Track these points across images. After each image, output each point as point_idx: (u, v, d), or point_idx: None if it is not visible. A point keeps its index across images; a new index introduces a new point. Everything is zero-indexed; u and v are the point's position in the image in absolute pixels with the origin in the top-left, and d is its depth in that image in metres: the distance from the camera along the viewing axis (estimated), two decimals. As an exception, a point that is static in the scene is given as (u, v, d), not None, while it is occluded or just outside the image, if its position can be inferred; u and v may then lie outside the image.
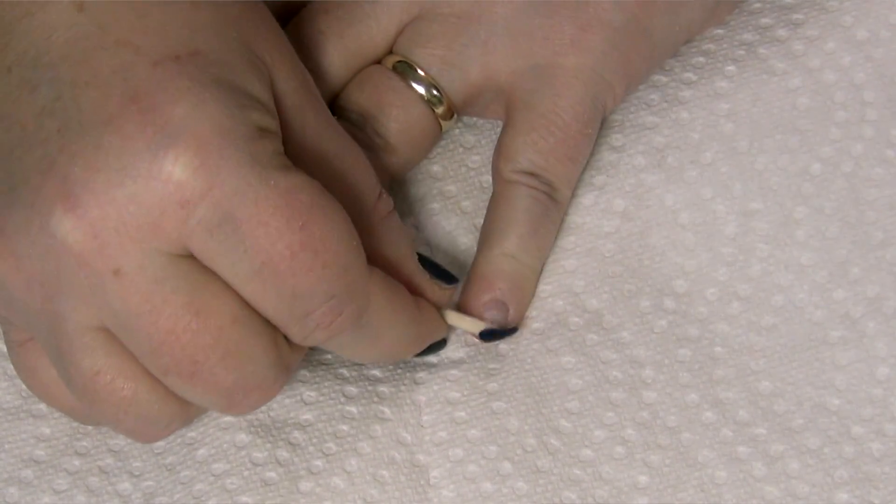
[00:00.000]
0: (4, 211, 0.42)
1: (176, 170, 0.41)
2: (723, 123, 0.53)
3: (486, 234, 0.51)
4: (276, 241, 0.42)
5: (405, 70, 0.50)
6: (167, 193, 0.41)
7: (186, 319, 0.42)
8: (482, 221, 0.52)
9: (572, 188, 0.51)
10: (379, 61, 0.51)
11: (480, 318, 0.50)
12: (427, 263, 0.49)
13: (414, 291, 0.48)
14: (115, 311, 0.42)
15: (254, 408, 0.45)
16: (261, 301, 0.43)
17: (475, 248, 0.51)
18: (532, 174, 0.50)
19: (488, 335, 0.50)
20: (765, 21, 0.54)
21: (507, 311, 0.50)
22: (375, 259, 0.46)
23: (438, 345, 0.50)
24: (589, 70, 0.50)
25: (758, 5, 0.54)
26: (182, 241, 0.41)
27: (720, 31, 0.54)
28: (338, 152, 0.45)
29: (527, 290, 0.51)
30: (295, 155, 0.43)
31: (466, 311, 0.50)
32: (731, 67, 0.53)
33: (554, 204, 0.51)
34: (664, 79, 0.53)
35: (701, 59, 0.53)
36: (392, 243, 0.47)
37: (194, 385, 0.43)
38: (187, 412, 0.45)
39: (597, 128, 0.51)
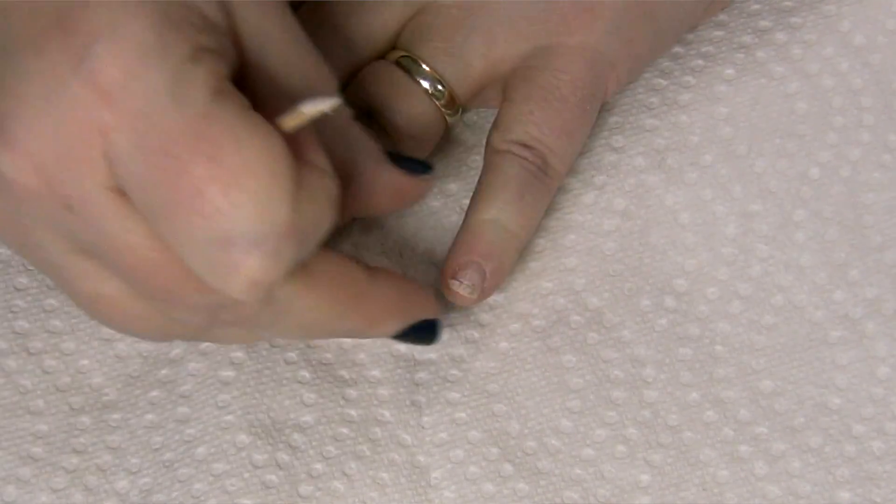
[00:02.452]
0: None
1: (93, 96, 0.38)
2: (721, 127, 0.53)
3: (472, 202, 0.50)
4: (182, 174, 0.38)
5: (409, 65, 0.50)
6: (87, 121, 0.38)
7: (151, 255, 0.40)
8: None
9: (567, 166, 0.50)
10: (382, 57, 0.51)
11: (455, 279, 0.49)
12: (400, 160, 0.47)
13: (391, 192, 0.46)
14: (83, 240, 0.40)
15: (252, 305, 0.42)
16: (173, 239, 0.39)
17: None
18: (525, 145, 0.49)
19: (406, 334, 0.48)
20: (763, 24, 0.54)
21: (483, 275, 0.49)
22: (343, 167, 0.44)
23: (426, 331, 0.48)
24: (591, 49, 0.50)
25: (756, 6, 0.54)
26: (111, 173, 0.39)
27: (719, 33, 0.54)
28: (303, 74, 0.42)
29: (506, 258, 0.49)
30: (253, 78, 0.41)
31: (445, 276, 0.49)
32: (729, 71, 0.54)
33: (545, 177, 0.50)
34: (663, 82, 0.54)
35: (700, 62, 0.54)
36: (352, 148, 0.45)
37: (179, 309, 0.41)
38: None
39: (596, 108, 0.51)
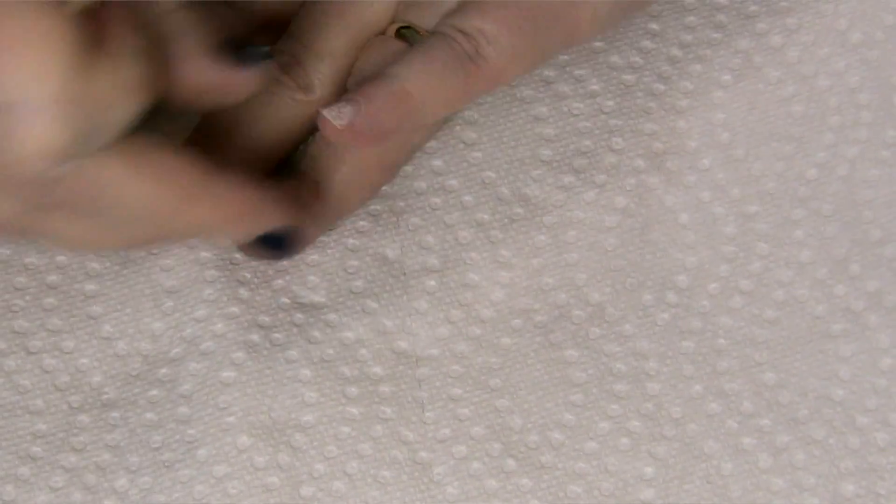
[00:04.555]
0: None
1: None
2: (719, 132, 0.53)
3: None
4: None
5: (408, 34, 0.50)
6: None
7: None
8: (484, 216, 0.52)
9: (507, 62, 0.48)
10: (383, 33, 0.51)
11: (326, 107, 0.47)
12: (236, 51, 0.46)
13: (206, 85, 0.45)
14: None
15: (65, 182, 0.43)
16: None
17: (476, 242, 0.52)
18: (461, 31, 0.48)
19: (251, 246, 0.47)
20: (760, 26, 0.54)
21: (358, 110, 0.47)
22: (159, 51, 0.44)
23: (272, 243, 0.47)
24: None
25: (754, 8, 0.55)
26: None
27: (717, 36, 0.54)
28: None
29: (391, 113, 0.47)
30: None
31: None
32: (727, 77, 0.54)
33: (471, 63, 0.48)
34: (662, 87, 0.54)
35: (698, 66, 0.54)
36: (168, 34, 0.44)
37: None
38: None
39: (558, 36, 0.49)
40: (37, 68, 0.40)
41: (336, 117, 0.47)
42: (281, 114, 0.50)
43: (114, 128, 0.42)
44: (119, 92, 0.41)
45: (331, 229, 0.51)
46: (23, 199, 0.43)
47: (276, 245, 0.48)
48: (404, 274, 0.51)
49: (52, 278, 0.51)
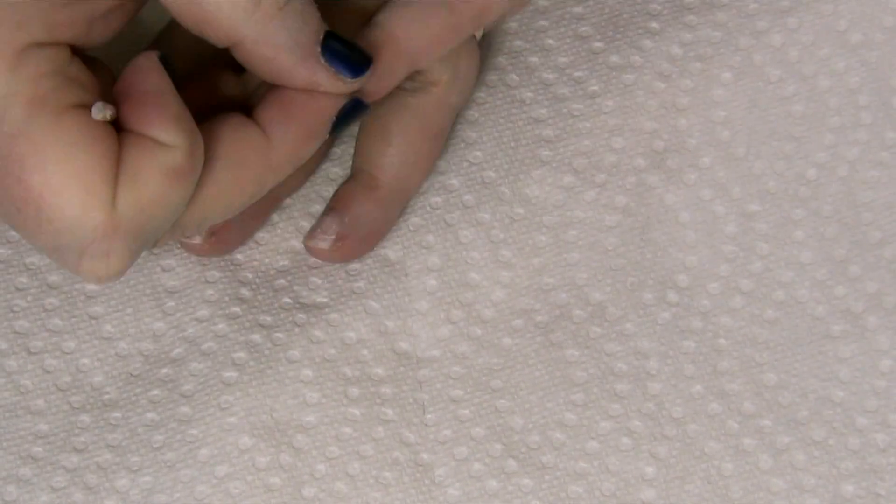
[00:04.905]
0: None
1: None
2: (720, 130, 0.53)
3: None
4: (3, 197, 0.41)
5: None
6: None
7: None
8: (484, 216, 0.52)
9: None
10: None
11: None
12: (338, 43, 0.44)
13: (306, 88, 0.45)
14: None
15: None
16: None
17: (477, 241, 0.52)
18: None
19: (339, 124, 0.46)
20: (761, 25, 0.54)
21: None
22: (269, 70, 0.44)
23: (350, 111, 0.46)
24: None
25: (754, 6, 0.55)
26: None
27: (717, 34, 0.54)
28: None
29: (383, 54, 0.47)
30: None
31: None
32: (727, 75, 0.54)
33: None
34: (662, 85, 0.54)
35: (698, 64, 0.54)
36: (283, 38, 0.43)
37: None
38: None
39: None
40: (67, 216, 0.41)
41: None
42: None
43: (179, 208, 0.43)
44: (159, 191, 0.42)
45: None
46: None
47: (352, 111, 0.46)
48: (406, 275, 0.51)
49: (54, 278, 0.51)
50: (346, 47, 0.44)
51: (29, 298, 0.50)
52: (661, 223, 0.52)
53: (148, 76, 0.42)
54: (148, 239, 0.43)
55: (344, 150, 0.53)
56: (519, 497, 0.49)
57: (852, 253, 0.52)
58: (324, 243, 0.50)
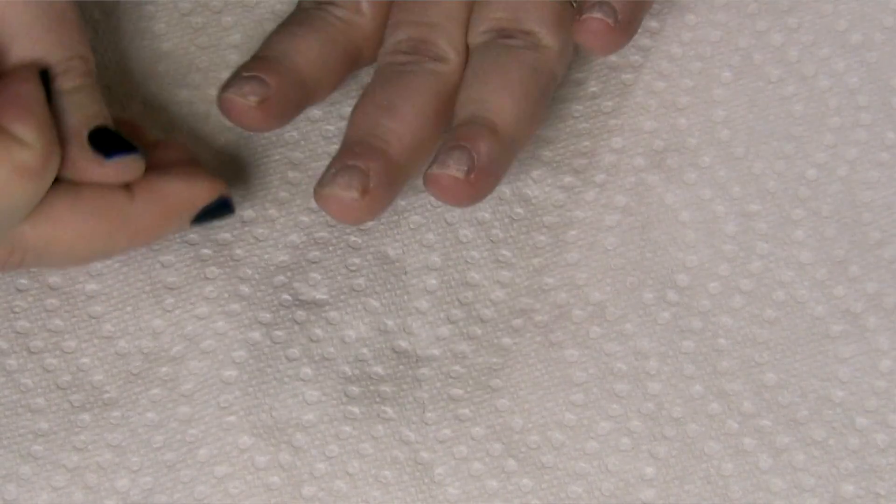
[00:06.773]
0: None
1: None
2: (719, 130, 0.54)
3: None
4: None
5: None
6: None
7: None
8: (484, 215, 0.52)
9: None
10: None
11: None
12: (103, 136, 0.47)
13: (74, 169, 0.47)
14: None
15: None
16: None
17: (477, 241, 0.52)
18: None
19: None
20: (761, 25, 0.54)
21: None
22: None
23: (214, 212, 0.49)
24: None
25: (754, 6, 0.55)
26: None
27: (717, 34, 0.54)
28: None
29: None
30: None
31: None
32: (727, 74, 0.54)
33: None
34: (662, 84, 0.54)
35: (698, 64, 0.54)
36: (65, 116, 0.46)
37: None
38: None
39: None
40: None
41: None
42: (431, 88, 0.50)
43: (20, 211, 0.45)
44: (8, 183, 0.44)
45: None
46: None
47: (216, 212, 0.49)
48: (405, 273, 0.51)
49: (54, 279, 0.51)
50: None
51: (29, 299, 0.50)
52: (660, 223, 0.52)
53: (23, 84, 0.45)
54: None
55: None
56: (518, 497, 0.49)
57: (852, 253, 0.52)
58: (459, 173, 0.48)
